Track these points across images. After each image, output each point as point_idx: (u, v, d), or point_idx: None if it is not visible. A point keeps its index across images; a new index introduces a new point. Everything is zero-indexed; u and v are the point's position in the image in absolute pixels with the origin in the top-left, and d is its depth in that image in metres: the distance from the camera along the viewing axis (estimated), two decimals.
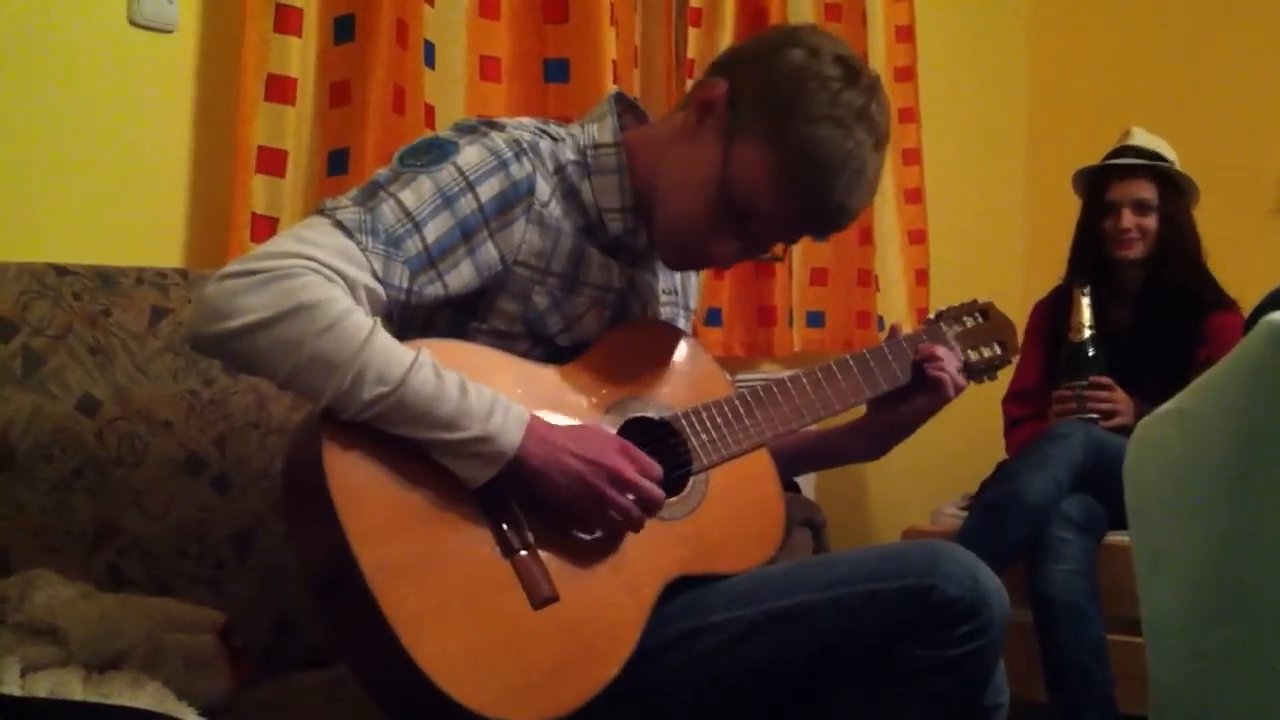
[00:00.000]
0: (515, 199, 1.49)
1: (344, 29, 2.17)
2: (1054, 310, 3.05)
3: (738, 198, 1.50)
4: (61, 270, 1.70)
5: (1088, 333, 2.84)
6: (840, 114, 1.48)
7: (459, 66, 2.35)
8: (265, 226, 2.06)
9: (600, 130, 1.58)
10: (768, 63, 1.51)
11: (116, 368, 1.70)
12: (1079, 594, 2.54)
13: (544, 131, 1.56)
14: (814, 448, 1.84)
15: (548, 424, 1.43)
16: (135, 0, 1.98)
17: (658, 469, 1.47)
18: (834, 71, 1.49)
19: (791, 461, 1.80)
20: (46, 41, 1.90)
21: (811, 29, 1.59)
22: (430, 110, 2.30)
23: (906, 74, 3.46)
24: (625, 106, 1.62)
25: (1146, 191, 2.98)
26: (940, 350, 1.73)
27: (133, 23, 1.99)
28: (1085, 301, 2.85)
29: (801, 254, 3.19)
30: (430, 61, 2.30)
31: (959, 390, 1.72)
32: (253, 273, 1.31)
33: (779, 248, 1.62)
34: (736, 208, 1.51)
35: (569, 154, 1.56)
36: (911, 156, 3.47)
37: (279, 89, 2.08)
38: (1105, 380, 2.83)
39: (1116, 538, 2.63)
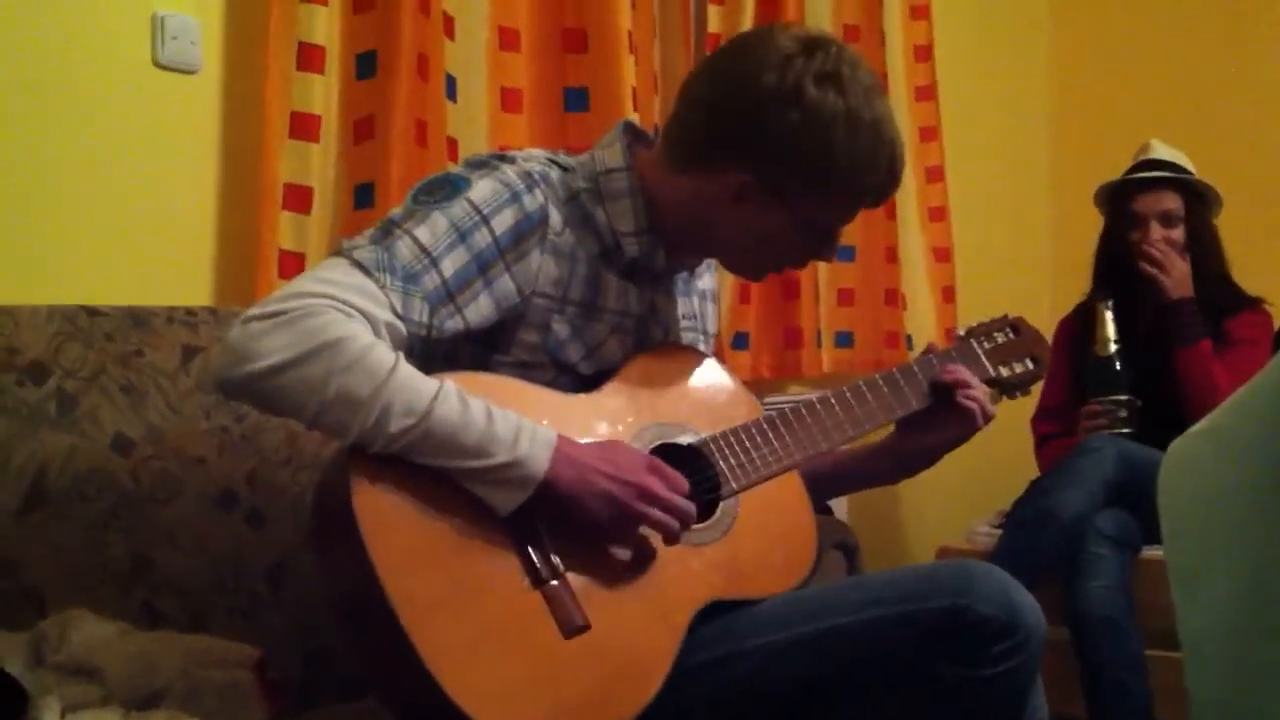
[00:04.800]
0: (529, 230, 1.50)
1: (366, 65, 2.19)
2: (1079, 326, 3.04)
3: (822, 228, 1.60)
4: (92, 311, 1.72)
5: (1113, 347, 2.83)
6: (861, 119, 1.51)
7: (480, 98, 2.37)
8: (293, 263, 2.08)
9: (610, 156, 1.59)
10: (776, 137, 1.51)
11: (149, 406, 1.72)
12: (1116, 610, 2.52)
13: (554, 162, 1.58)
14: (844, 470, 1.83)
15: (576, 444, 1.43)
16: (159, 42, 2.01)
17: (685, 483, 1.47)
18: (830, 99, 1.50)
19: (822, 484, 1.79)
20: (72, 85, 1.93)
21: (773, 52, 1.52)
22: (453, 143, 2.31)
23: (927, 93, 3.45)
24: (634, 134, 1.63)
25: (1172, 203, 2.96)
26: (968, 375, 1.71)
27: (157, 64, 2.02)
28: (1109, 315, 2.84)
29: (828, 274, 3.18)
30: (452, 94, 2.32)
31: (988, 419, 1.70)
32: (275, 314, 1.32)
33: None
34: (822, 233, 1.61)
35: (580, 182, 1.57)
36: (935, 174, 3.46)
37: (303, 126, 2.10)
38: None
39: (1152, 552, 2.61)
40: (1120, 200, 3.05)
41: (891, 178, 1.58)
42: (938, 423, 1.71)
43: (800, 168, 1.52)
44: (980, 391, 1.70)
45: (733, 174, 1.53)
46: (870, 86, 1.53)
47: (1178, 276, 2.88)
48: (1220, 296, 2.97)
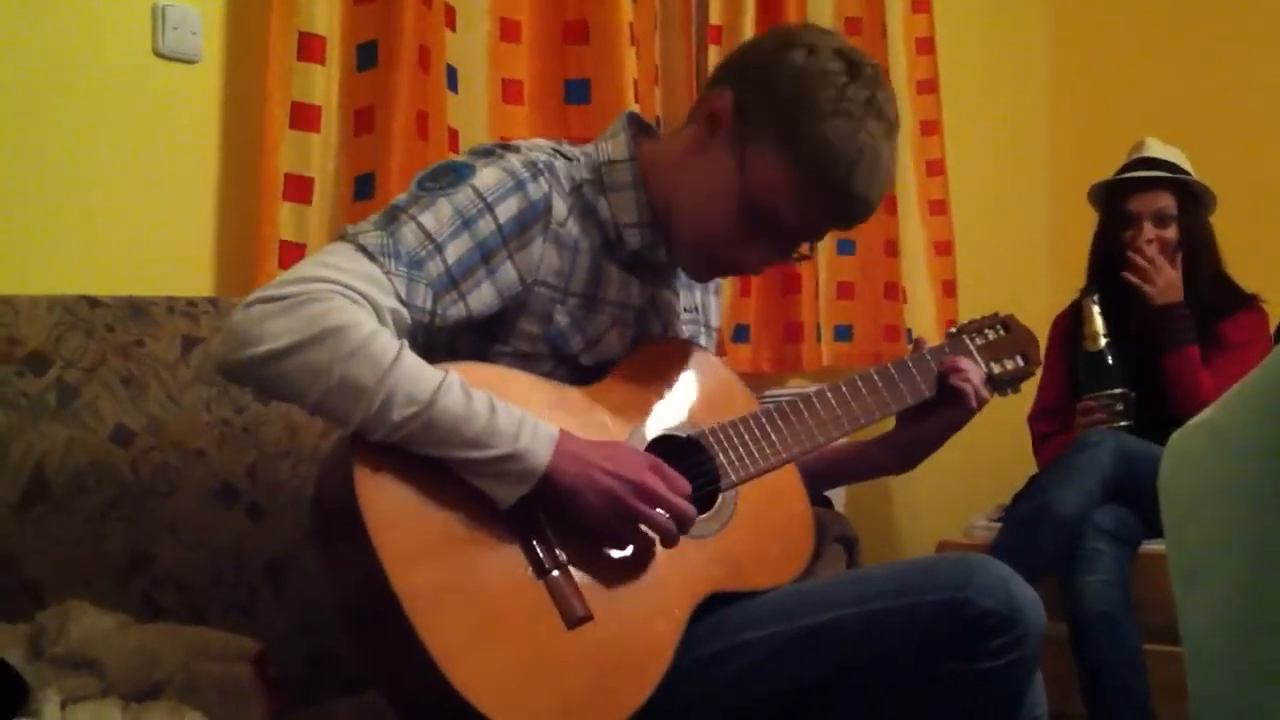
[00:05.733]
0: (533, 219, 1.49)
1: (367, 56, 2.19)
2: (1072, 323, 3.02)
3: (760, 203, 1.51)
4: (93, 302, 1.72)
5: (1104, 341, 2.82)
6: (848, 108, 1.49)
7: (481, 90, 2.37)
8: (293, 253, 2.08)
9: (614, 147, 1.59)
10: (770, 67, 1.52)
11: (149, 398, 1.71)
12: (1114, 605, 2.52)
13: (558, 152, 1.58)
14: (844, 461, 1.84)
15: (577, 440, 1.43)
16: (160, 32, 2.01)
17: (686, 485, 1.47)
18: (836, 66, 1.50)
19: (822, 476, 1.79)
20: (73, 74, 1.93)
21: (808, 28, 1.62)
22: (454, 134, 2.31)
23: (928, 86, 3.45)
24: (638, 126, 1.63)
25: (1165, 202, 2.95)
26: (964, 362, 1.73)
27: (157, 54, 2.02)
28: (1096, 310, 2.83)
29: (828, 268, 3.18)
30: (453, 86, 2.32)
31: (982, 402, 1.72)
32: (279, 298, 1.32)
33: (805, 247, 1.62)
34: (759, 213, 1.52)
35: (584, 172, 1.57)
36: (935, 168, 3.46)
37: (304, 117, 2.10)
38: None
39: (1152, 547, 2.61)
40: (1114, 199, 3.04)
41: (856, 189, 1.49)
42: (933, 410, 1.73)
43: (775, 107, 1.49)
44: (974, 374, 1.71)
45: (719, 95, 1.53)
46: (881, 110, 1.50)
47: (1163, 284, 2.87)
48: (1214, 296, 2.95)
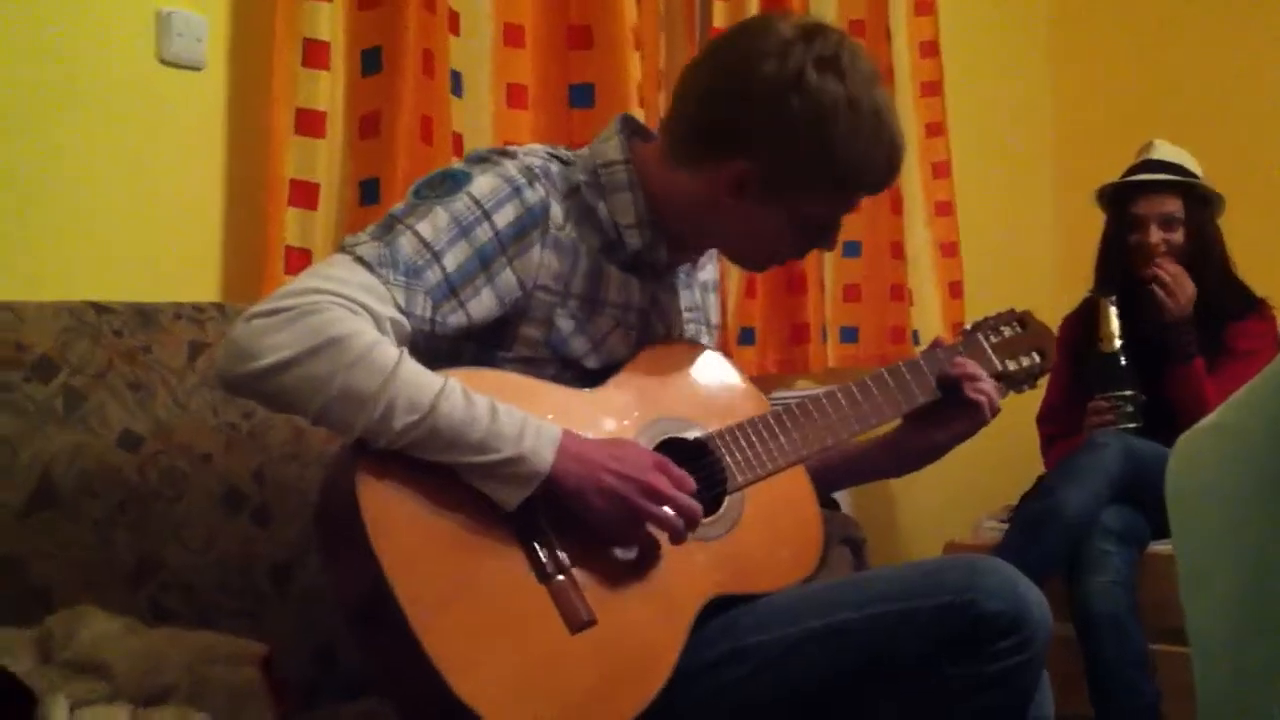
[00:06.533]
0: (531, 225, 1.50)
1: (371, 61, 2.19)
2: (1080, 324, 3.02)
3: (817, 223, 1.60)
4: (100, 308, 1.72)
5: (1118, 343, 2.81)
6: (861, 109, 1.51)
7: (485, 95, 2.37)
8: (299, 258, 2.08)
9: (609, 149, 1.59)
10: (777, 123, 1.50)
11: (156, 403, 1.72)
12: (1120, 606, 2.52)
13: (554, 156, 1.58)
14: (847, 464, 1.82)
15: (581, 441, 1.43)
16: (164, 39, 2.02)
17: (692, 482, 1.47)
18: (829, 85, 1.50)
19: (824, 477, 1.79)
20: (78, 82, 1.93)
21: (763, 35, 1.54)
22: (458, 139, 2.31)
23: (933, 89, 3.44)
24: (633, 128, 1.63)
25: (1172, 206, 2.94)
26: (980, 370, 1.71)
27: (162, 61, 2.02)
28: (1113, 311, 2.82)
29: (834, 270, 3.18)
30: (457, 91, 2.32)
31: (995, 413, 1.70)
32: (279, 311, 1.32)
33: None
34: (817, 230, 1.61)
35: (580, 175, 1.57)
36: (941, 170, 3.46)
37: (309, 122, 2.11)
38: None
39: (1161, 547, 2.60)
40: (1120, 202, 3.03)
41: (890, 169, 1.57)
42: (944, 417, 1.71)
43: (798, 158, 1.51)
44: (989, 385, 1.70)
45: (731, 165, 1.52)
46: (870, 75, 1.53)
47: (1185, 301, 2.86)
48: (1222, 300, 2.94)
